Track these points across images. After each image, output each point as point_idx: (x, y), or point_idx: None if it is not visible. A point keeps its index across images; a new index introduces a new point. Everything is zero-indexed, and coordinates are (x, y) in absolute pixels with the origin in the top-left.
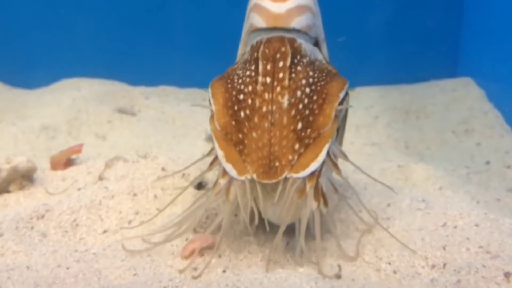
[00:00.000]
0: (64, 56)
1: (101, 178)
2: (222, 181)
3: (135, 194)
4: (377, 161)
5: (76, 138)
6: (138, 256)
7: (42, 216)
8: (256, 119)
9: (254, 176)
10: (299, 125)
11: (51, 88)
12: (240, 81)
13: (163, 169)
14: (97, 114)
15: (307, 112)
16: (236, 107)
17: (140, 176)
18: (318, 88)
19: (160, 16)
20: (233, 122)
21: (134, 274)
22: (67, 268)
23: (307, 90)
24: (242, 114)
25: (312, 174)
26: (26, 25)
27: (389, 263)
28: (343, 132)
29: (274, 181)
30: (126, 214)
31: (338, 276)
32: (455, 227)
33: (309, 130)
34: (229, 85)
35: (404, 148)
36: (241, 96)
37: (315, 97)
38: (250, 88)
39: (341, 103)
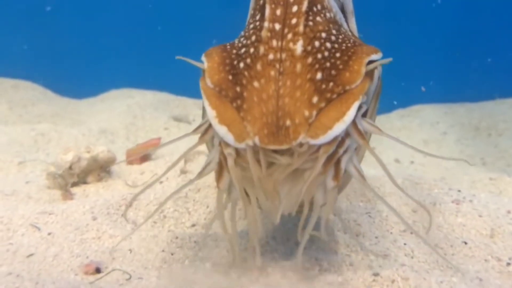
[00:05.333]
0: (112, 67)
1: (183, 171)
2: (213, 156)
3: None
4: (460, 174)
5: (134, 143)
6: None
7: (130, 205)
8: (259, 66)
9: (257, 140)
10: (318, 75)
11: (100, 98)
12: (242, 39)
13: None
14: (153, 120)
15: (328, 64)
16: (235, 62)
17: None
18: (343, 47)
19: (210, 28)
20: (230, 77)
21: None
22: (172, 254)
23: (328, 44)
24: (241, 64)
25: (333, 139)
26: (74, 37)
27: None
28: (374, 110)
29: (285, 146)
30: (214, 208)
31: None
32: None
33: (331, 84)
34: (228, 46)
35: (481, 165)
36: (242, 50)
37: (338, 54)
38: (253, 38)
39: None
